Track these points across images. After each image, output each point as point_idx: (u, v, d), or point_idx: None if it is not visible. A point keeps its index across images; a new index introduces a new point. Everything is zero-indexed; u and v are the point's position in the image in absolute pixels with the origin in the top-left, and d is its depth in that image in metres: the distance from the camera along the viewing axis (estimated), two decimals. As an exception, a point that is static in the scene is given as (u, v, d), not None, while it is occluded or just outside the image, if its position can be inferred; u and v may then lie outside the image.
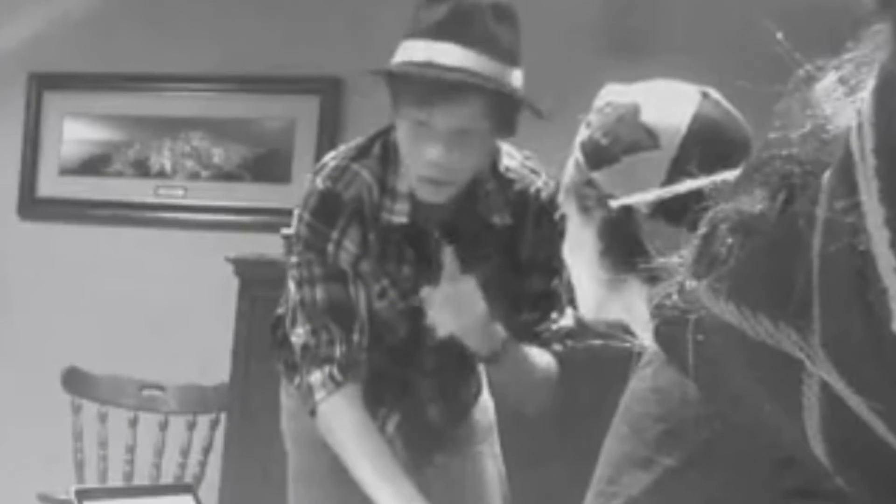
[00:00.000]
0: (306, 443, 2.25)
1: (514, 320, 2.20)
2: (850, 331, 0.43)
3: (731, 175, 0.53)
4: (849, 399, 0.44)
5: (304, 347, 2.10)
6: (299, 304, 2.11)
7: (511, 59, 1.98)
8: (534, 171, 2.17)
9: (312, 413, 2.10)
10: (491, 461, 2.37)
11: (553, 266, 2.21)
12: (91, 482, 3.42)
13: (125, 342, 3.89)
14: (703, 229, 0.53)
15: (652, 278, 0.70)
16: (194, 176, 3.98)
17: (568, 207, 1.44)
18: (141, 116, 4.05)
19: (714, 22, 3.40)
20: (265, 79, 3.89)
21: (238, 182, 3.93)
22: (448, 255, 2.07)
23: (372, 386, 2.11)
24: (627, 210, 1.35)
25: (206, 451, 3.48)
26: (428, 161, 1.98)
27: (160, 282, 3.94)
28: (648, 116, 1.37)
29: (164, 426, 3.50)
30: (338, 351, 2.07)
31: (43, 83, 4.16)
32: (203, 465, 3.48)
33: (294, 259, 2.13)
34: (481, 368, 2.31)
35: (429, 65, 1.94)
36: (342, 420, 2.06)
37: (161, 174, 4.02)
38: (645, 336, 1.24)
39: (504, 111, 1.99)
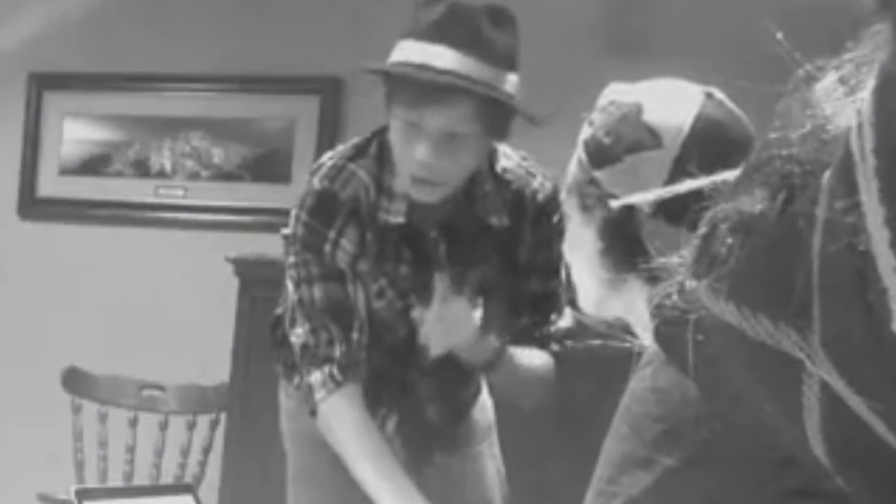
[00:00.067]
0: (306, 443, 2.25)
1: (513, 321, 2.21)
2: (850, 331, 0.43)
3: (732, 175, 0.53)
4: (849, 399, 0.44)
5: (304, 347, 2.10)
6: (297, 304, 2.11)
7: (506, 63, 1.98)
8: (530, 173, 2.17)
9: (312, 413, 2.10)
10: (490, 461, 2.37)
11: (551, 268, 2.21)
12: (91, 482, 3.42)
13: (125, 342, 3.89)
14: (703, 229, 0.53)
15: (652, 278, 0.70)
16: (194, 176, 3.98)
17: (569, 206, 1.43)
18: (141, 116, 4.05)
19: (714, 22, 3.40)
20: (265, 79, 3.89)
21: (238, 182, 3.93)
22: (439, 279, 2.07)
23: (371, 386, 2.11)
24: (629, 209, 1.35)
25: (206, 451, 3.48)
26: (417, 161, 1.99)
27: (160, 282, 3.94)
28: (651, 116, 1.37)
29: (164, 426, 3.50)
30: (337, 350, 2.07)
31: (43, 83, 4.16)
32: (203, 465, 3.48)
33: (291, 259, 2.13)
34: (481, 368, 2.31)
35: (421, 66, 1.94)
36: (342, 419, 2.07)
37: (161, 174, 4.02)
38: (645, 336, 1.24)
39: (496, 115, 1.99)
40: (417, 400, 2.25)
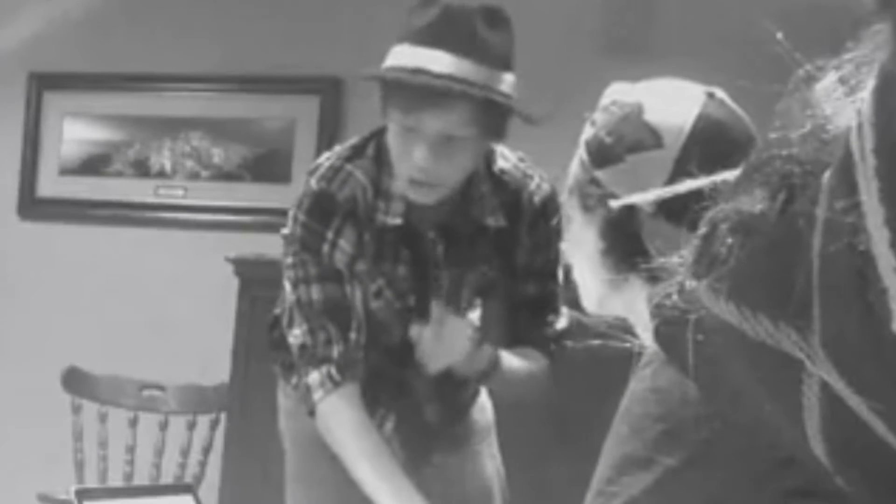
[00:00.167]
0: (304, 443, 2.25)
1: (510, 322, 2.21)
2: (850, 331, 0.43)
3: (733, 175, 0.53)
4: (849, 399, 0.44)
5: (302, 348, 2.10)
6: (295, 304, 2.11)
7: (501, 63, 1.97)
8: (527, 174, 2.17)
9: (311, 413, 2.10)
10: (490, 461, 2.37)
11: (549, 269, 2.21)
12: (91, 482, 3.42)
13: (125, 342, 3.89)
14: (703, 229, 0.53)
15: (653, 278, 0.70)
16: (194, 176, 3.98)
17: (571, 206, 1.43)
18: (141, 116, 4.05)
19: (714, 22, 3.40)
20: (265, 79, 3.89)
21: (238, 182, 3.93)
22: (435, 306, 2.08)
23: (369, 386, 2.11)
24: (630, 209, 1.35)
25: (206, 451, 3.48)
26: (415, 164, 1.99)
27: (160, 282, 3.94)
28: (652, 116, 1.37)
29: (164, 426, 3.50)
30: (335, 351, 2.07)
31: (43, 83, 4.16)
32: (203, 465, 3.48)
33: (289, 260, 2.13)
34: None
35: (417, 71, 1.94)
36: (341, 419, 2.06)
37: (161, 174, 4.02)
38: (646, 336, 1.24)
39: (492, 116, 1.99)
40: (416, 400, 2.25)
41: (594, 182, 1.39)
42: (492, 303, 2.20)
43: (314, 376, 2.07)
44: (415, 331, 2.08)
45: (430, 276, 2.16)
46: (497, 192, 2.15)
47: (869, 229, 0.42)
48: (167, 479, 3.46)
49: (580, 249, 1.43)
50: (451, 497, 2.25)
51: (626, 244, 1.35)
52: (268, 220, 3.65)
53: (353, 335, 2.09)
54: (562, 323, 2.23)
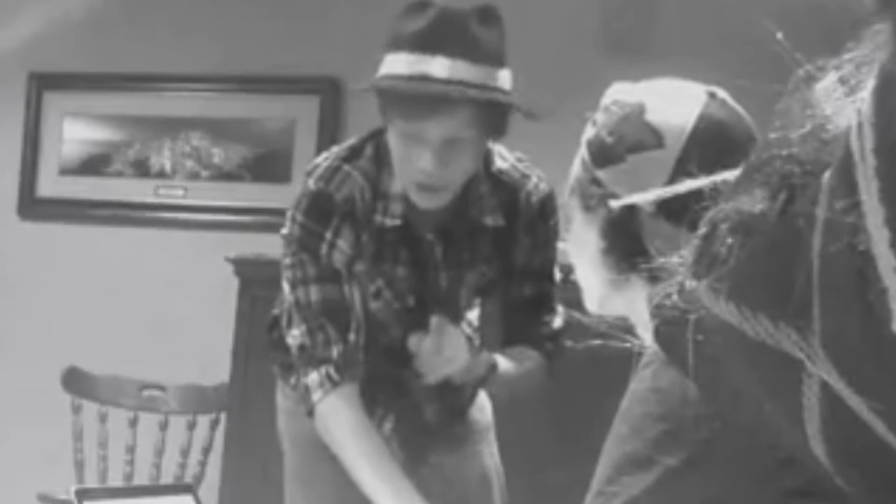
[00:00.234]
0: (303, 443, 2.25)
1: (507, 321, 2.21)
2: (850, 331, 0.43)
3: (734, 175, 0.53)
4: (849, 399, 0.44)
5: (301, 348, 2.10)
6: (294, 304, 2.11)
7: (497, 60, 1.98)
8: (525, 174, 2.17)
9: (310, 414, 2.10)
10: (489, 461, 2.37)
11: (546, 269, 2.22)
12: (91, 482, 3.42)
13: (125, 342, 3.89)
14: (703, 229, 0.53)
15: (654, 278, 0.70)
16: (194, 176, 3.98)
17: (572, 206, 1.43)
18: (141, 116, 4.05)
19: (714, 22, 3.40)
20: (265, 79, 3.89)
21: (238, 182, 3.93)
22: (434, 318, 2.08)
23: (368, 386, 2.11)
24: (630, 209, 1.35)
25: (206, 451, 3.48)
26: (421, 170, 1.99)
27: (160, 282, 3.94)
28: (653, 116, 1.37)
29: (164, 426, 3.50)
30: (334, 351, 2.07)
31: (43, 83, 4.16)
32: (203, 465, 3.48)
33: (288, 260, 2.13)
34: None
35: (416, 78, 1.94)
36: (340, 420, 2.06)
37: (161, 174, 4.02)
38: (647, 336, 1.24)
39: (494, 115, 1.99)
40: (414, 400, 2.25)
41: (595, 182, 1.39)
42: (490, 303, 2.20)
43: (313, 377, 2.07)
44: (413, 342, 2.08)
45: (430, 276, 2.16)
46: (495, 192, 2.15)
47: (869, 229, 0.42)
48: (167, 479, 3.46)
49: (581, 249, 1.43)
50: (451, 497, 2.25)
51: (626, 244, 1.35)
52: (268, 220, 3.65)
53: (351, 336, 2.09)
54: (558, 322, 2.23)
